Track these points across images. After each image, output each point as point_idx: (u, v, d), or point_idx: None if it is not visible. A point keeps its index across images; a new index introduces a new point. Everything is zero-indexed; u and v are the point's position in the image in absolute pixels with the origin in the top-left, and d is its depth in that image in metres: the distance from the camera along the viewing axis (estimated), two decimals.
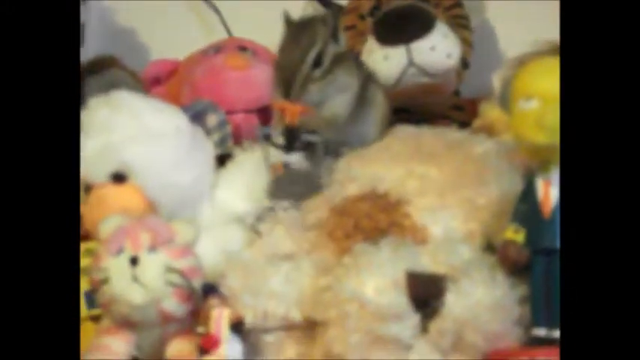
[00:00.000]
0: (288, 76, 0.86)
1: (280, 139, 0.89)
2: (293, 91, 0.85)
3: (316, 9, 1.15)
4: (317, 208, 0.84)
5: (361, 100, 0.91)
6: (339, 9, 1.14)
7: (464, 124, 1.07)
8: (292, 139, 0.88)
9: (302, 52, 0.86)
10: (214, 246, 0.85)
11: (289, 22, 0.91)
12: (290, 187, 0.87)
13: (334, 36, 0.89)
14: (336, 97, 0.89)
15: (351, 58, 0.94)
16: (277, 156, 0.90)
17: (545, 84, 0.69)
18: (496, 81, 0.96)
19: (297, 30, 0.89)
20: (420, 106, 1.09)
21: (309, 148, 0.89)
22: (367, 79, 0.94)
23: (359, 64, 0.96)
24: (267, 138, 0.91)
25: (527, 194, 0.72)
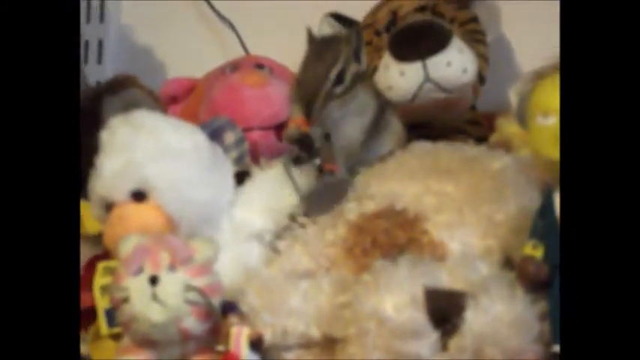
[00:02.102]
0: (310, 93, 0.86)
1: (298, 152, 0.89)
2: (314, 107, 0.86)
3: (332, 25, 1.16)
4: (335, 225, 0.85)
5: (378, 124, 0.92)
6: (356, 25, 1.14)
7: (481, 139, 1.07)
8: (308, 145, 0.88)
9: (325, 69, 0.87)
10: (233, 263, 0.86)
11: (312, 39, 0.92)
12: (323, 199, 0.86)
13: (356, 55, 0.90)
14: (353, 119, 0.89)
15: (371, 79, 0.95)
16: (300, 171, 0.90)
17: None
18: (513, 95, 0.96)
19: (320, 47, 0.90)
20: (436, 121, 1.09)
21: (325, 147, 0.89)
22: (384, 103, 0.95)
23: (377, 89, 0.96)
24: (296, 161, 0.90)
25: (546, 210, 0.72)
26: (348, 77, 0.88)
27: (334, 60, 0.87)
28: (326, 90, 0.86)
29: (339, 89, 0.87)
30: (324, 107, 0.86)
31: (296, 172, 0.89)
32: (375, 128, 0.92)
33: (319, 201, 0.86)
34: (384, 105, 0.94)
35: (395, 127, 0.95)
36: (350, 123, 0.89)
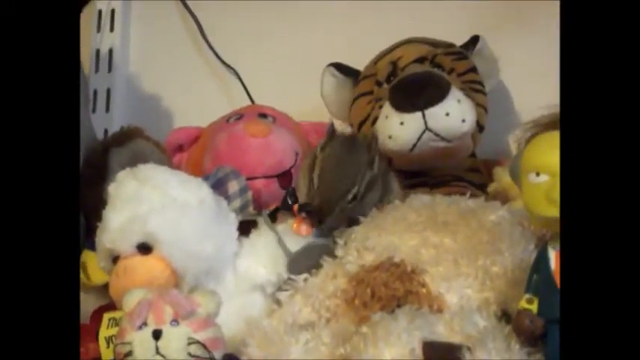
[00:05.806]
0: (325, 203, 0.89)
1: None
2: (327, 219, 0.89)
3: (334, 75, 1.19)
4: (335, 276, 0.86)
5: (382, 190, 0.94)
6: (357, 75, 1.17)
7: (480, 186, 1.09)
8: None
9: (344, 188, 0.90)
10: (236, 314, 0.87)
11: (333, 135, 0.94)
12: (306, 261, 0.89)
13: (371, 163, 0.92)
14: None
15: (381, 177, 0.95)
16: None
17: (553, 159, 0.69)
18: (512, 143, 0.97)
19: (341, 154, 0.92)
20: (436, 169, 1.11)
21: None
22: (385, 171, 0.97)
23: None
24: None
25: (540, 264, 0.73)
26: (362, 189, 0.91)
27: (353, 180, 0.90)
28: (341, 207, 0.90)
29: (353, 204, 0.90)
30: (336, 221, 0.90)
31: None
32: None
33: (303, 261, 0.89)
34: (385, 172, 0.96)
35: (395, 189, 0.97)
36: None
